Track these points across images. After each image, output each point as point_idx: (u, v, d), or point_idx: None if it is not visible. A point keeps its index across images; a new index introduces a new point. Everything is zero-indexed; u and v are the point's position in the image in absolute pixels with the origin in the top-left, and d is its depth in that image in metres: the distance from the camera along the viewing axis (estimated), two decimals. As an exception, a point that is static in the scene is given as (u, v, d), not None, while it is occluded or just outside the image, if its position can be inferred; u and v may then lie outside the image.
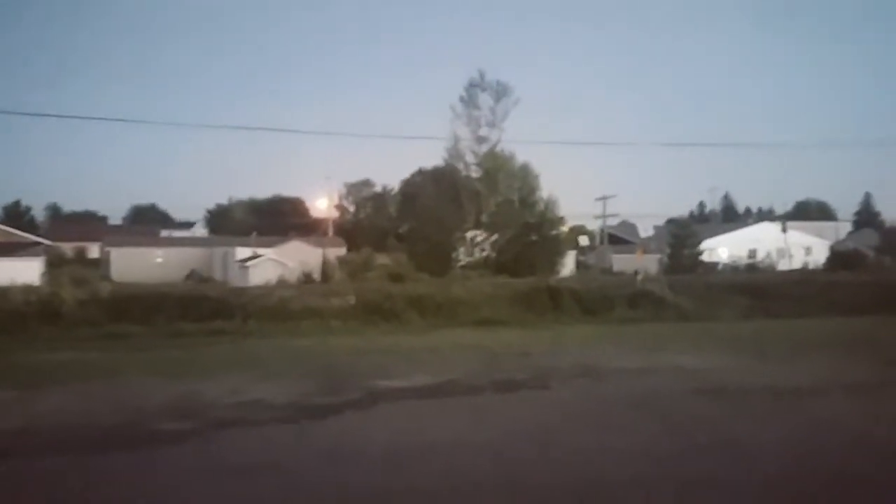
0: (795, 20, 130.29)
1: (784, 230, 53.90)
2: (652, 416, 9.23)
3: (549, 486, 6.62)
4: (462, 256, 40.30)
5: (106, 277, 38.08)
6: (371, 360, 14.00)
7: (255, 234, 55.23)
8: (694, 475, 6.83)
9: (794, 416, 9.43)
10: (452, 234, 40.32)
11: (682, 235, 49.78)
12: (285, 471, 7.08)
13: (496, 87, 44.06)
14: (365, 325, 19.41)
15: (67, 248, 59.26)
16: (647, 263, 41.16)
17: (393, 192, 78.27)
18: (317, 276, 35.91)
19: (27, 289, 20.29)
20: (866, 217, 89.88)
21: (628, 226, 73.01)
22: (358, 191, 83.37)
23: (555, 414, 9.62)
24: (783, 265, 48.95)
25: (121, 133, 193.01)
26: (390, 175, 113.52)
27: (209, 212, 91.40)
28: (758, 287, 25.22)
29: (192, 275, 43.46)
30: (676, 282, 25.43)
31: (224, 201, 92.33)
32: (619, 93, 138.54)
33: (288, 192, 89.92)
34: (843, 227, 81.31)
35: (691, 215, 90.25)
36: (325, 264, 38.47)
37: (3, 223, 55.72)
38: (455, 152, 44.88)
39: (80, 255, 58.39)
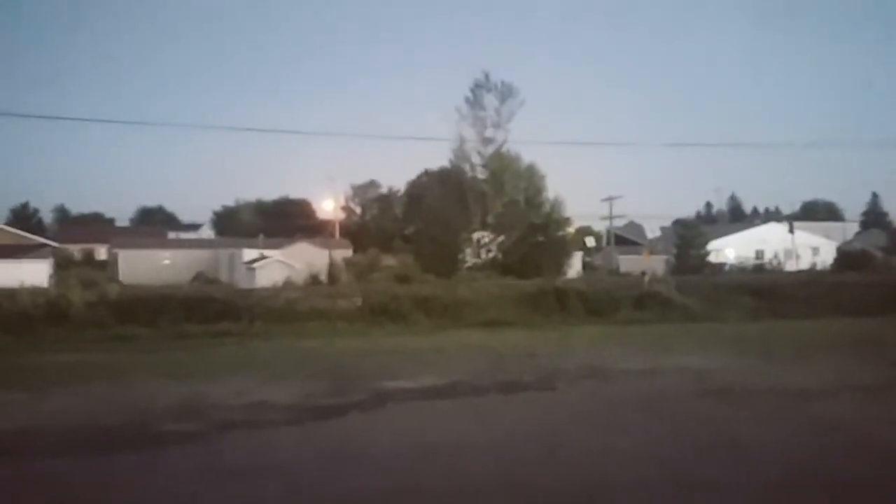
0: (802, 19, 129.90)
1: (791, 231, 53.63)
2: (658, 418, 9.19)
3: (554, 487, 6.60)
4: (468, 258, 40.25)
5: (114, 279, 38.20)
6: (377, 362, 14.01)
7: (261, 235, 55.34)
8: (699, 477, 6.79)
9: (800, 417, 9.37)
10: (459, 236, 40.25)
11: (688, 236, 49.63)
12: (290, 472, 7.08)
13: (501, 88, 44.03)
14: (371, 326, 19.44)
15: (75, 250, 59.51)
16: (654, 264, 41.10)
17: (399, 194, 78.25)
18: (323, 277, 35.99)
19: (35, 291, 20.39)
20: (874, 217, 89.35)
21: (635, 227, 72.82)
22: (364, 192, 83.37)
23: (561, 415, 9.60)
24: (790, 266, 48.77)
25: (127, 135, 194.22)
26: (396, 176, 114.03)
27: (216, 213, 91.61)
28: (765, 288, 25.15)
29: (198, 276, 43.54)
30: (683, 283, 25.38)
31: (231, 203, 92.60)
32: (625, 93, 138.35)
33: (294, 193, 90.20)
34: (851, 228, 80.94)
35: (698, 216, 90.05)
36: (332, 266, 38.52)
37: (11, 225, 55.98)
38: (461, 153, 44.86)
39: (88, 257, 58.66)
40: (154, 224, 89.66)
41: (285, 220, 75.86)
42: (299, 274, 35.87)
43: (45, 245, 47.04)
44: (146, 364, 13.90)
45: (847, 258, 44.54)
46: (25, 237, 48.69)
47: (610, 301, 22.25)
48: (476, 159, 44.77)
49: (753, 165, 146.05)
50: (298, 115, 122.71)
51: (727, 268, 48.57)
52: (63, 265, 43.84)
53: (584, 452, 7.70)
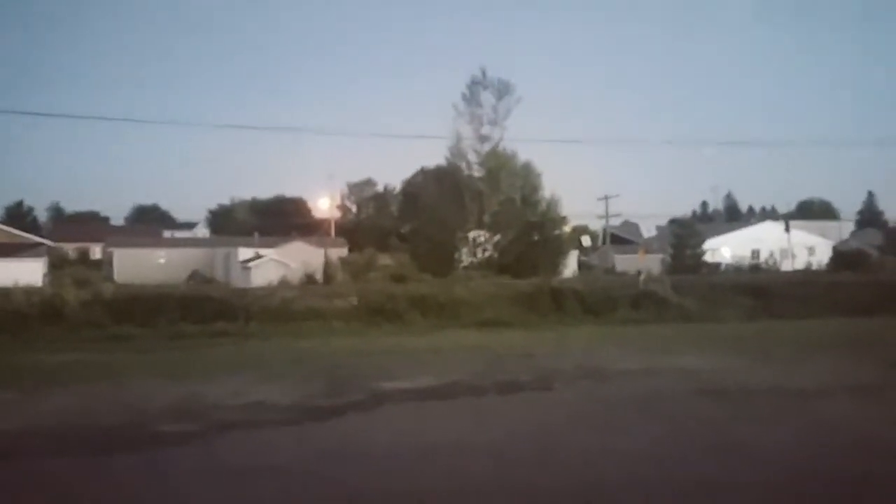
0: (799, 18, 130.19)
1: (787, 230, 53.77)
2: (655, 418, 9.19)
3: (552, 488, 6.59)
4: (465, 257, 40.19)
5: (109, 278, 38.12)
6: (374, 362, 13.98)
7: (257, 234, 55.31)
8: (697, 477, 6.79)
9: (798, 417, 9.38)
10: (455, 234, 40.18)
11: (684, 235, 49.66)
12: (288, 473, 7.05)
13: (498, 85, 43.84)
14: (367, 325, 19.40)
15: (70, 248, 59.38)
16: (650, 263, 41.10)
17: (395, 192, 78.30)
18: (319, 276, 35.91)
19: (30, 290, 20.34)
20: (869, 216, 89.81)
21: (631, 226, 72.99)
22: (360, 190, 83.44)
23: (558, 415, 9.59)
24: (786, 265, 48.87)
25: (123, 133, 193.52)
26: (392, 174, 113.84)
27: (211, 212, 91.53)
28: (761, 287, 25.16)
29: (194, 275, 43.48)
30: (679, 282, 25.37)
31: (226, 202, 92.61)
32: (621, 92, 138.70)
33: (290, 192, 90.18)
34: (847, 227, 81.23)
35: (694, 215, 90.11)
36: (328, 265, 38.43)
37: (5, 224, 55.80)
38: (457, 151, 44.69)
39: (83, 256, 58.54)
40: (149, 223, 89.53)
41: (281, 219, 75.84)
42: (295, 273, 35.82)
43: (39, 244, 46.87)
44: (142, 364, 13.85)
45: (843, 257, 44.64)
46: (20, 236, 48.53)
47: (606, 301, 22.24)
48: (472, 157, 44.65)
49: (749, 164, 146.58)
50: (294, 114, 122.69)
51: (723, 267, 48.61)
52: (58, 264, 43.73)
53: (582, 452, 7.69)
